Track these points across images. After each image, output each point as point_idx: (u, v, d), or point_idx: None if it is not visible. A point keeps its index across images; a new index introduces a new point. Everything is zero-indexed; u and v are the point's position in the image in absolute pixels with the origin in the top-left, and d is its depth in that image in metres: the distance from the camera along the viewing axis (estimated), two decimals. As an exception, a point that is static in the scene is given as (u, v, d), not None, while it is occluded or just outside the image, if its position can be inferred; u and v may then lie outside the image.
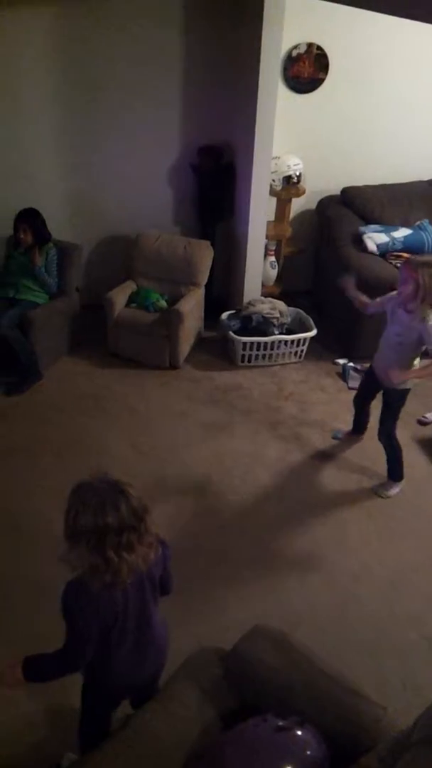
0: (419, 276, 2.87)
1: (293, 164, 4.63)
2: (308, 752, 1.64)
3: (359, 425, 3.81)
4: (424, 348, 3.08)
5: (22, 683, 1.72)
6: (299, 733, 1.67)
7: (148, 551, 1.67)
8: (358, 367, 4.49)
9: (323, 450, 3.82)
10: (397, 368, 3.09)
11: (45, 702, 2.44)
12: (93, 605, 1.66)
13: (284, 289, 5.01)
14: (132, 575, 1.65)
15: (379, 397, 3.43)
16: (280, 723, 1.69)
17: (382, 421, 3.41)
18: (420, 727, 1.39)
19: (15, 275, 4.27)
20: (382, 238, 4.54)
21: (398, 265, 4.49)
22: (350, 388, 4.33)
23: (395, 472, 3.51)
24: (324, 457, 3.77)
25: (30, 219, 4.21)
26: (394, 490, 3.52)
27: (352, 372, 4.46)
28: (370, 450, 3.75)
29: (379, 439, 3.47)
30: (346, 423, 3.93)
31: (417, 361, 3.15)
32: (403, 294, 2.97)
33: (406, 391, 3.27)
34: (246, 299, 4.72)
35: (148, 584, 1.79)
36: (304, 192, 4.77)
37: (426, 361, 3.16)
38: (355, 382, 4.37)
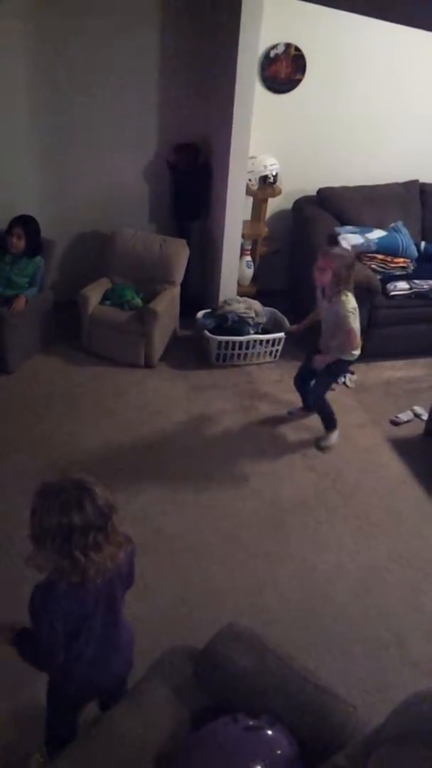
0: (335, 265, 3.28)
1: (270, 164, 4.63)
2: (279, 751, 1.64)
3: (308, 401, 4.00)
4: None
5: (7, 644, 1.72)
6: (270, 732, 1.67)
7: (117, 550, 1.63)
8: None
9: (299, 448, 3.83)
10: (333, 341, 3.51)
11: (14, 701, 2.41)
12: (61, 610, 1.63)
13: (260, 288, 5.02)
14: (101, 575, 1.62)
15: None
16: (251, 722, 1.69)
17: (318, 385, 3.73)
18: (389, 726, 1.40)
19: None
20: (357, 239, 4.56)
21: (373, 266, 4.54)
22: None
23: (330, 423, 3.79)
24: (299, 454, 3.78)
25: (27, 225, 4.13)
26: (333, 438, 3.76)
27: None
28: (343, 448, 3.77)
29: (311, 403, 3.78)
30: (320, 422, 3.95)
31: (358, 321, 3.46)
32: (321, 282, 3.38)
33: (349, 362, 3.62)
34: (221, 298, 4.71)
35: (117, 584, 1.77)
36: (280, 192, 4.78)
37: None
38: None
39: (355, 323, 3.37)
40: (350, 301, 3.36)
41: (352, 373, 4.42)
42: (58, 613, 1.63)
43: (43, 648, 1.67)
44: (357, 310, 3.39)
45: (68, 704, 1.96)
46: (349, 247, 4.52)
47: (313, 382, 3.78)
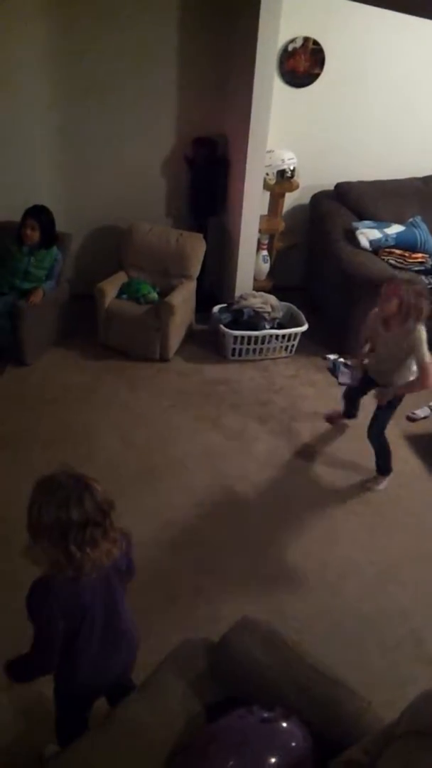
0: (403, 293, 2.99)
1: (287, 158, 4.62)
2: (293, 744, 1.63)
3: (350, 413, 3.85)
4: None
5: (10, 684, 1.76)
6: (284, 724, 1.67)
7: (112, 547, 1.64)
8: (349, 362, 4.49)
9: (312, 445, 3.82)
10: (396, 376, 3.22)
11: (27, 693, 2.43)
12: (58, 604, 1.63)
13: (276, 283, 5.00)
14: (96, 571, 1.62)
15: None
16: (266, 715, 1.69)
17: (378, 418, 3.40)
18: (405, 719, 1.39)
19: (11, 275, 4.18)
20: (375, 234, 4.54)
21: (391, 261, 4.51)
22: (340, 383, 4.34)
23: (384, 467, 3.53)
24: (313, 452, 3.77)
25: (40, 216, 4.13)
26: (383, 484, 3.54)
27: (342, 367, 4.47)
28: (358, 446, 3.75)
29: (369, 437, 3.47)
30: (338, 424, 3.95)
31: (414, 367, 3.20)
32: (386, 311, 3.07)
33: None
34: (238, 293, 4.71)
35: (115, 578, 1.77)
36: (297, 186, 4.76)
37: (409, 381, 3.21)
38: (345, 377, 4.38)
39: (428, 357, 3.07)
40: (419, 331, 3.05)
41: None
42: (56, 609, 1.63)
43: (40, 644, 1.67)
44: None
45: (76, 703, 1.96)
46: (366, 243, 4.50)
47: (370, 420, 3.46)
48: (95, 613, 1.73)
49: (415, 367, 3.17)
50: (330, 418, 3.97)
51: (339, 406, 3.90)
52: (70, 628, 1.68)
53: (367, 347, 3.44)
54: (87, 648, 1.75)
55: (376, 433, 3.43)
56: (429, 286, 4.23)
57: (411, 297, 3.00)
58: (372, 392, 3.48)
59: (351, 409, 3.82)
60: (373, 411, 3.42)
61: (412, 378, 3.20)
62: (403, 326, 3.07)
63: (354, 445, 3.78)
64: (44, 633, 1.65)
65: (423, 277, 4.41)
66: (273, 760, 1.59)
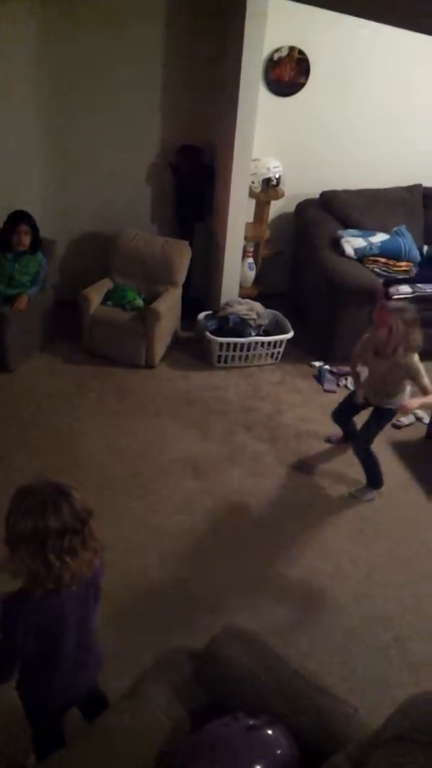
0: (392, 321, 2.93)
1: (273, 166, 4.64)
2: (278, 751, 1.62)
3: (351, 434, 3.72)
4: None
5: None
6: (269, 732, 1.66)
7: (93, 556, 1.61)
8: (334, 369, 4.51)
9: (298, 451, 3.82)
10: (389, 395, 3.22)
11: (8, 703, 2.39)
12: (33, 620, 1.60)
13: (262, 290, 5.02)
14: (76, 582, 1.59)
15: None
16: (251, 722, 1.67)
17: (364, 432, 3.38)
18: (390, 727, 1.39)
19: None
20: (360, 242, 4.58)
21: (375, 269, 4.54)
22: (326, 391, 4.35)
23: (374, 481, 3.49)
24: (299, 458, 3.77)
25: (31, 221, 4.12)
26: (371, 496, 3.50)
27: (328, 375, 4.48)
28: (344, 453, 3.76)
29: (355, 451, 3.46)
30: (321, 424, 3.96)
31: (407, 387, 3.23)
32: (377, 338, 3.05)
33: (396, 410, 3.30)
34: (223, 300, 4.71)
35: (91, 594, 1.75)
36: (283, 194, 4.79)
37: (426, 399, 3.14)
38: (330, 384, 4.40)
39: (426, 379, 3.05)
40: (411, 358, 3.03)
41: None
42: (29, 624, 1.60)
43: (3, 656, 1.64)
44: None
45: (49, 718, 1.92)
46: (351, 251, 4.53)
47: (360, 430, 3.46)
48: (70, 629, 1.70)
49: (409, 388, 3.21)
50: (330, 440, 3.89)
51: (324, 414, 3.90)
52: (44, 644, 1.65)
53: (361, 372, 3.39)
54: (62, 664, 1.73)
55: (363, 447, 3.41)
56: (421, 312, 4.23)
57: (401, 327, 2.93)
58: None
59: (346, 429, 3.74)
60: (364, 423, 3.39)
61: (405, 396, 3.22)
62: (394, 356, 3.01)
63: (340, 452, 3.78)
64: (10, 644, 1.61)
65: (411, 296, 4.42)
66: (258, 767, 1.58)
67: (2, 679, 1.70)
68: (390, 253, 4.61)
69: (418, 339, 2.99)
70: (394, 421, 4.06)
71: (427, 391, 3.06)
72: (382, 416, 3.34)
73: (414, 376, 3.06)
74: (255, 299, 4.75)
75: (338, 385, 4.40)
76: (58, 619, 1.65)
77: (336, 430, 3.83)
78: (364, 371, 3.37)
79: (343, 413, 3.65)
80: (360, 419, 3.47)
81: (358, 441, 3.43)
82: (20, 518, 1.50)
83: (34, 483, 1.55)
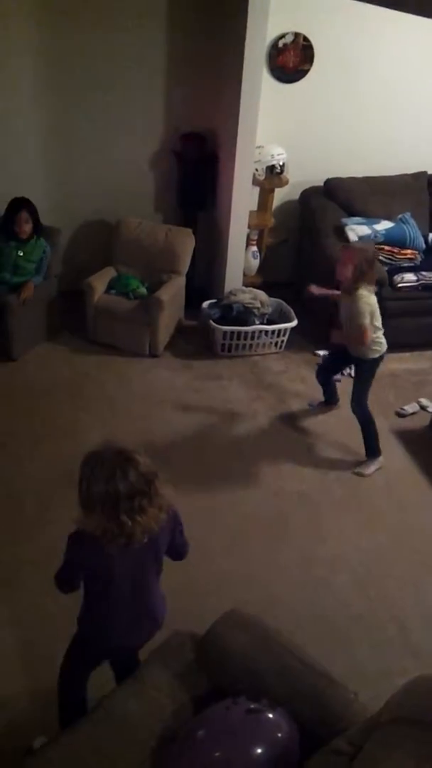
0: (356, 259, 3.22)
1: (277, 154, 4.61)
2: (279, 734, 1.64)
3: (330, 395, 3.96)
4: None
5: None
6: (270, 715, 1.67)
7: (159, 513, 1.74)
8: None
9: (302, 440, 3.82)
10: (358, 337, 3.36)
11: (18, 684, 2.42)
12: (82, 556, 1.78)
13: (266, 279, 5.00)
14: (146, 536, 1.73)
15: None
16: (252, 706, 1.69)
17: (355, 391, 3.55)
18: (388, 710, 1.40)
19: (0, 269, 4.16)
20: (364, 230, 4.55)
21: (381, 258, 4.51)
22: (349, 376, 4.34)
23: (371, 447, 3.60)
24: (302, 447, 3.77)
25: (31, 207, 4.11)
26: (373, 467, 3.59)
27: (331, 363, 4.47)
28: (348, 441, 3.76)
29: (353, 410, 3.58)
30: (325, 413, 3.95)
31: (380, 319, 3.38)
32: (342, 275, 3.29)
33: (375, 360, 3.45)
34: (227, 288, 4.70)
35: (151, 553, 1.86)
36: (287, 182, 4.76)
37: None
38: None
39: (367, 320, 3.26)
40: (364, 297, 3.27)
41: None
42: (78, 558, 1.79)
43: (60, 573, 1.84)
44: (375, 307, 3.31)
45: (84, 658, 2.03)
46: (356, 239, 4.50)
47: (353, 383, 3.61)
48: (122, 583, 1.83)
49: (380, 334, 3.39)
50: (312, 405, 4.06)
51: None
52: (94, 583, 1.84)
53: (331, 292, 3.63)
54: (114, 610, 1.88)
55: (357, 404, 3.54)
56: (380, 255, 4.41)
57: (363, 263, 3.22)
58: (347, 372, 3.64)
59: (328, 391, 3.92)
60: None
61: (377, 348, 3.41)
62: (355, 291, 3.26)
63: (343, 440, 3.79)
64: (67, 569, 1.82)
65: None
66: (259, 750, 1.59)
67: (64, 590, 1.89)
68: (395, 240, 4.58)
69: (375, 276, 3.31)
70: (397, 409, 4.09)
71: (360, 328, 3.26)
72: (362, 368, 3.50)
73: (356, 310, 3.26)
74: (259, 288, 4.73)
75: (342, 373, 4.38)
76: (105, 567, 1.79)
77: (318, 395, 3.99)
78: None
79: (325, 370, 3.85)
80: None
81: (353, 401, 3.57)
82: (92, 484, 1.65)
83: (102, 449, 1.69)
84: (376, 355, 3.43)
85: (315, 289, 3.70)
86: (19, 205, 4.10)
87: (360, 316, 3.26)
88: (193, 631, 2.08)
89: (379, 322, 3.36)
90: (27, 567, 2.75)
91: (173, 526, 1.91)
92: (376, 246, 4.52)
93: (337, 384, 4.02)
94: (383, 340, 3.41)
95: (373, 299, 3.31)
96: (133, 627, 1.95)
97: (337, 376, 4.05)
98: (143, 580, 1.89)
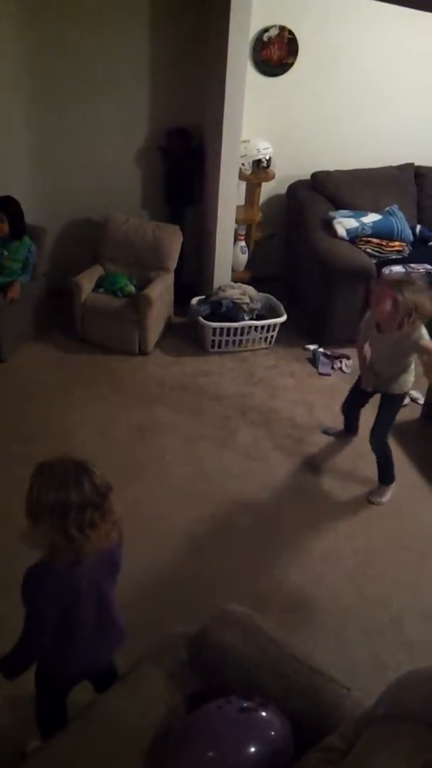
0: (396, 294, 2.81)
1: (263, 148, 4.59)
2: (272, 732, 1.63)
3: (351, 427, 3.72)
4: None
5: (8, 680, 1.79)
6: (263, 713, 1.66)
7: (111, 530, 1.67)
8: (329, 352, 4.49)
9: (292, 435, 3.82)
10: (395, 375, 3.10)
11: (8, 690, 2.40)
12: (54, 589, 1.66)
13: (254, 274, 4.98)
14: (94, 554, 1.64)
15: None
16: (245, 704, 1.68)
17: (379, 425, 3.28)
18: (381, 705, 1.39)
19: None
20: (352, 223, 4.54)
21: (368, 250, 4.51)
22: (320, 374, 4.34)
23: (386, 475, 3.40)
24: (293, 442, 3.77)
25: (8, 208, 4.07)
26: (388, 494, 3.40)
27: (322, 357, 4.46)
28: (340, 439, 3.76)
29: (371, 444, 3.34)
30: (316, 408, 3.95)
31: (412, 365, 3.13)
32: (381, 313, 2.91)
33: (404, 395, 3.25)
34: (216, 285, 4.68)
35: (106, 568, 1.78)
36: (273, 176, 4.74)
37: None
38: (325, 367, 4.38)
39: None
40: (422, 331, 2.92)
41: (348, 358, 4.40)
42: (50, 593, 1.65)
43: (32, 627, 1.69)
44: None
45: (57, 687, 1.97)
46: (344, 232, 4.49)
47: (377, 416, 3.30)
48: (89, 599, 1.75)
49: (413, 366, 3.11)
50: (328, 432, 3.83)
51: (321, 397, 3.90)
52: (63, 614, 1.71)
53: (367, 354, 3.26)
54: (79, 633, 1.78)
55: (379, 440, 3.29)
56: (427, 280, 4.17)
57: (407, 295, 2.81)
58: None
59: (351, 422, 3.69)
60: (375, 415, 3.30)
61: (411, 379, 3.15)
62: (401, 327, 2.88)
63: (334, 435, 3.78)
64: (37, 616, 1.67)
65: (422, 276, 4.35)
66: (252, 749, 1.58)
67: (36, 650, 1.76)
68: (382, 233, 4.57)
69: (428, 306, 2.85)
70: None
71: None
72: (392, 403, 3.23)
73: (420, 348, 2.92)
74: (248, 283, 4.72)
75: (333, 368, 4.39)
76: (76, 590, 1.70)
77: (334, 423, 3.80)
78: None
79: (352, 404, 3.57)
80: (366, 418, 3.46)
81: (374, 436, 3.30)
82: (42, 491, 1.56)
83: (56, 459, 1.62)
84: (409, 387, 3.20)
85: (366, 386, 3.31)
86: None
87: (423, 343, 2.91)
88: (186, 630, 2.07)
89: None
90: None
91: (119, 543, 1.82)
92: (363, 238, 4.53)
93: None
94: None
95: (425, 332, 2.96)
96: (102, 645, 1.90)
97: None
98: (106, 596, 1.82)
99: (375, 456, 3.36)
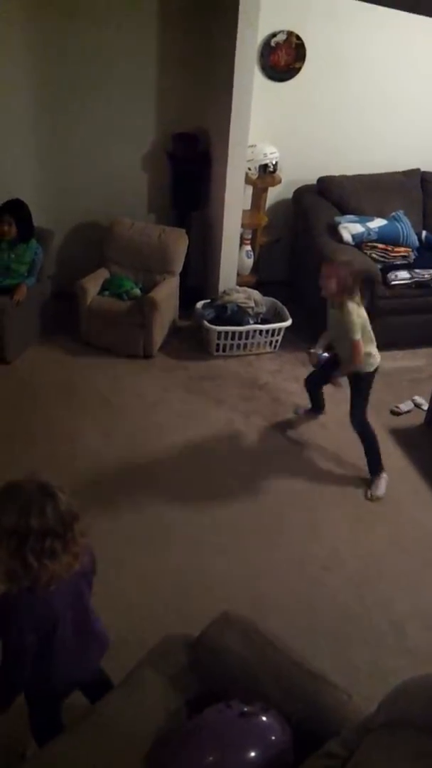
0: (340, 273, 3.17)
1: (269, 153, 4.60)
2: (273, 737, 1.63)
3: (317, 403, 3.91)
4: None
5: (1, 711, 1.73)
6: (264, 718, 1.66)
7: (73, 561, 1.59)
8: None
9: (297, 439, 3.82)
10: (346, 354, 3.33)
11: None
12: (28, 617, 1.61)
13: (260, 278, 4.99)
14: (53, 583, 1.58)
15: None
16: (245, 709, 1.68)
17: (354, 406, 3.45)
18: (382, 712, 1.39)
19: None
20: (358, 228, 4.54)
21: (373, 255, 4.51)
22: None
23: (374, 463, 3.48)
24: (298, 445, 3.77)
25: (16, 211, 4.09)
26: (382, 486, 3.46)
27: (326, 362, 4.46)
28: (341, 439, 3.75)
29: (353, 426, 3.48)
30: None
31: (371, 331, 3.31)
32: (327, 291, 3.23)
33: (371, 374, 3.37)
34: (221, 288, 4.69)
35: (83, 582, 1.75)
36: (280, 181, 4.75)
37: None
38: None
39: (359, 335, 3.19)
40: (354, 310, 3.18)
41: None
42: (25, 622, 1.61)
43: (11, 659, 1.64)
44: (366, 320, 3.24)
45: (49, 702, 1.95)
46: (349, 237, 4.50)
47: (350, 397, 3.49)
48: (66, 618, 1.71)
49: (372, 348, 3.32)
50: (297, 412, 4.02)
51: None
52: (41, 637, 1.66)
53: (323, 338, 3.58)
54: (60, 651, 1.74)
55: (357, 420, 3.47)
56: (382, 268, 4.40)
57: (347, 277, 3.15)
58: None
59: (316, 400, 3.88)
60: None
61: (372, 362, 3.33)
62: (343, 304, 3.19)
63: (338, 439, 3.78)
64: (15, 647, 1.62)
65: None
66: (252, 754, 1.58)
67: (18, 681, 1.71)
68: (388, 238, 4.57)
69: (361, 289, 3.23)
70: (392, 407, 4.08)
71: (353, 343, 3.19)
72: (357, 382, 3.41)
73: (347, 323, 3.19)
74: (253, 287, 4.73)
75: (319, 359, 4.37)
76: (50, 613, 1.66)
77: (336, 426, 3.83)
78: None
79: (314, 379, 3.78)
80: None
81: (352, 417, 3.48)
82: (3, 515, 1.49)
83: (23, 480, 1.55)
84: (371, 369, 3.35)
85: (315, 355, 3.58)
86: (2, 208, 4.09)
87: (352, 331, 3.18)
88: (186, 634, 2.07)
89: (371, 335, 3.28)
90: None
91: (92, 557, 1.78)
92: (369, 243, 4.53)
93: (337, 390, 3.81)
94: (376, 352, 3.33)
95: (363, 312, 3.24)
96: (86, 656, 1.87)
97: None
98: (83, 611, 1.78)
99: (358, 438, 3.50)
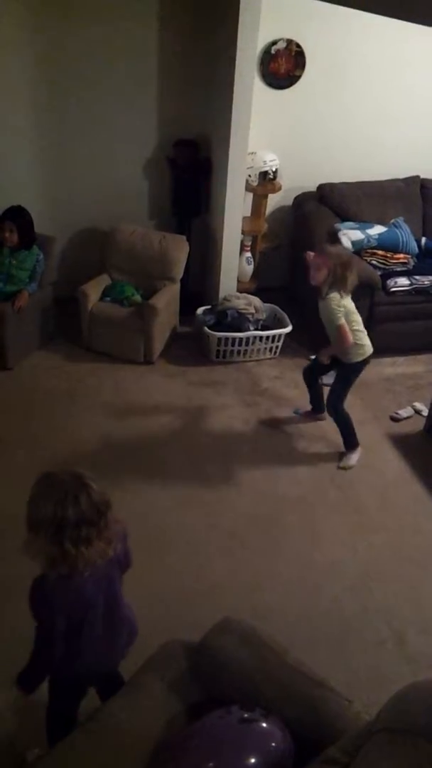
0: (331, 264, 3.21)
1: (269, 160, 4.62)
2: (273, 744, 1.63)
3: (316, 403, 3.93)
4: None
5: (26, 695, 1.80)
6: (264, 724, 1.67)
7: (106, 547, 1.67)
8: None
9: (297, 445, 3.82)
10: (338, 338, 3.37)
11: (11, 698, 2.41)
12: (60, 601, 1.67)
13: (260, 285, 5.01)
14: (89, 569, 1.65)
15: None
16: (245, 715, 1.68)
17: (332, 391, 3.59)
18: (382, 716, 1.39)
19: None
20: (358, 235, 4.56)
21: (373, 262, 4.53)
22: (324, 385, 4.33)
23: (350, 441, 3.65)
24: (297, 451, 3.77)
25: (17, 218, 4.11)
26: (354, 458, 3.63)
27: (326, 368, 4.47)
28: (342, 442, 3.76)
29: (327, 410, 3.67)
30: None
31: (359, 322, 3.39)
32: (316, 280, 3.28)
33: (358, 364, 3.44)
34: (221, 295, 4.70)
35: (114, 569, 1.80)
36: (280, 188, 4.77)
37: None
38: (330, 378, 4.37)
39: (342, 320, 3.26)
40: (335, 299, 3.26)
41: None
42: (57, 605, 1.67)
43: (42, 639, 1.71)
44: (351, 309, 3.32)
45: (70, 693, 1.99)
46: (349, 244, 4.51)
47: (332, 383, 3.65)
48: (97, 604, 1.77)
49: (363, 338, 3.40)
50: (297, 412, 4.06)
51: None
52: (73, 621, 1.73)
53: None
54: (90, 636, 1.79)
55: (333, 405, 3.57)
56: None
57: (337, 267, 3.19)
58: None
59: (316, 400, 3.91)
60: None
61: (361, 352, 3.40)
62: (326, 294, 3.26)
63: (338, 444, 3.78)
64: (46, 627, 1.70)
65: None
66: (252, 760, 1.58)
67: (49, 661, 1.78)
68: (388, 245, 4.59)
69: (354, 280, 3.26)
70: (392, 414, 4.09)
71: (338, 329, 3.25)
72: (341, 370, 3.52)
73: (329, 311, 3.25)
74: (253, 293, 4.74)
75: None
76: (82, 599, 1.72)
77: (297, 400, 4.03)
78: None
79: (311, 370, 3.83)
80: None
81: (328, 402, 3.59)
82: (41, 504, 1.57)
83: (58, 471, 1.62)
84: (359, 359, 3.41)
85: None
86: (4, 215, 4.10)
87: (334, 318, 3.26)
88: (187, 640, 2.08)
89: (359, 325, 3.36)
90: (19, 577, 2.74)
91: (124, 541, 1.85)
92: (369, 250, 4.54)
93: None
94: (367, 342, 3.39)
95: (347, 302, 3.31)
96: (111, 648, 1.91)
97: (331, 380, 4.03)
98: (113, 598, 1.83)
99: (334, 422, 3.64)
